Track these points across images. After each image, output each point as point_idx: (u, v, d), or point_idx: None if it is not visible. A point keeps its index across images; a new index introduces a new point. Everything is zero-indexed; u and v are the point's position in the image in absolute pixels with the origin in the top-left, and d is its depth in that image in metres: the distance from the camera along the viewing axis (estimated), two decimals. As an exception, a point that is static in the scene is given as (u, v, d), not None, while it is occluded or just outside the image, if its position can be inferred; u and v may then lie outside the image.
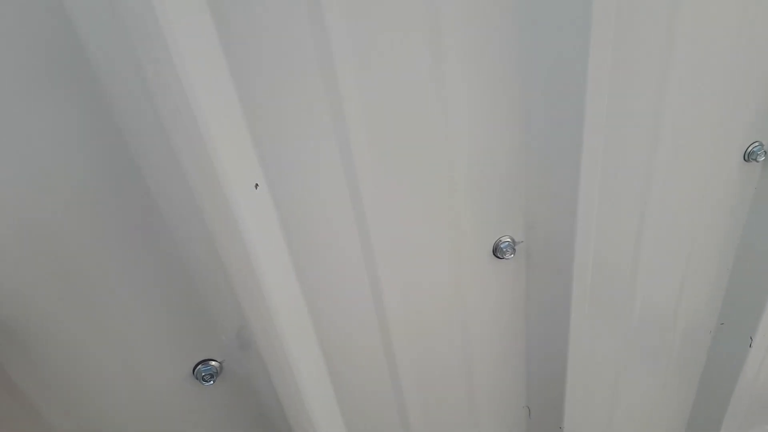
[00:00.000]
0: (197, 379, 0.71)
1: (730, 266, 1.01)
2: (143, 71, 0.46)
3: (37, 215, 0.53)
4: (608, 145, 0.73)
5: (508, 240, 0.78)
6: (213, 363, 0.71)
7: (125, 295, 0.62)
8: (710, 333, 1.11)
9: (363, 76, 0.59)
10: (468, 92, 0.65)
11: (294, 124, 0.58)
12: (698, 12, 0.70)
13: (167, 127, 0.48)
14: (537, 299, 0.85)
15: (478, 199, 0.74)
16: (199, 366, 0.70)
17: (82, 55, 0.47)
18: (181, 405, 0.72)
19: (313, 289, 0.70)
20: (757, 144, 0.85)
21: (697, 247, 0.95)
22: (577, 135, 0.65)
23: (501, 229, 0.78)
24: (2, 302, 0.56)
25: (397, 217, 0.70)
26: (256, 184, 0.57)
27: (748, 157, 0.86)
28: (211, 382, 0.70)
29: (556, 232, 0.77)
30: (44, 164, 0.51)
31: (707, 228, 0.93)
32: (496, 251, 0.78)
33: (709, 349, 1.14)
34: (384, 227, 0.69)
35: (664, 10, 0.67)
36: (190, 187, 0.52)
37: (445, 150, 0.68)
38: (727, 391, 1.16)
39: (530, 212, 0.77)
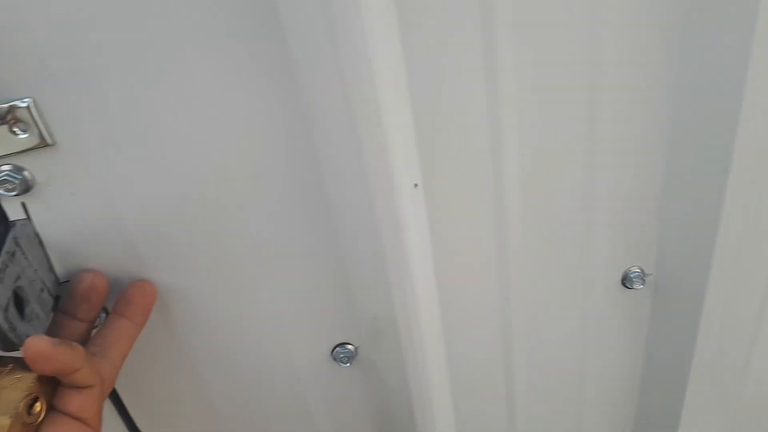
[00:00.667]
0: (335, 360, 0.78)
1: None
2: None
3: (213, 199, 0.62)
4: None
5: (638, 270, 0.80)
6: (349, 347, 0.78)
7: (279, 274, 0.70)
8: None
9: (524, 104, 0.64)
10: (610, 113, 0.68)
11: (454, 131, 0.65)
12: None
13: (355, 124, 0.56)
14: (659, 337, 0.85)
15: (612, 225, 0.76)
16: (338, 348, 0.78)
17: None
18: (317, 383, 0.80)
19: (447, 291, 0.76)
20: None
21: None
22: (724, 160, 0.65)
23: (632, 259, 0.80)
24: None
25: (537, 236, 0.74)
26: (416, 184, 0.64)
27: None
28: (348, 364, 0.77)
29: (688, 269, 0.77)
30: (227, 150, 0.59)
31: None
32: (625, 281, 0.80)
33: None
34: (523, 245, 0.74)
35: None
36: (367, 180, 0.60)
37: (583, 175, 0.72)
38: None
39: (663, 243, 0.78)
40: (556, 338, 0.84)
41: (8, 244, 0.51)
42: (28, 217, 0.55)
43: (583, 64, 0.63)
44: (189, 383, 0.77)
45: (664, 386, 0.90)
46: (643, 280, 0.80)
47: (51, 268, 0.59)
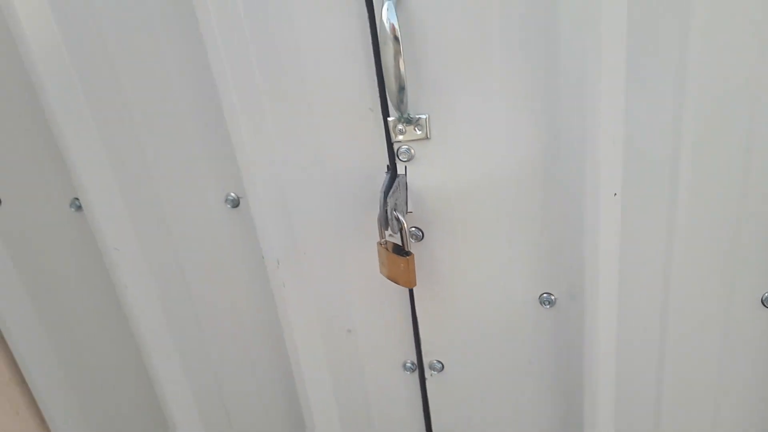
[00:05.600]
0: (541, 303, 1.21)
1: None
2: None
3: (496, 186, 1.13)
4: None
5: (781, 289, 1.08)
6: (552, 296, 1.20)
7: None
8: None
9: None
10: None
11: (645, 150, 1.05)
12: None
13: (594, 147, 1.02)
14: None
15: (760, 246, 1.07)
16: (544, 294, 1.21)
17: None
18: (525, 323, 1.23)
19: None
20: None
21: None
22: None
23: (776, 279, 1.08)
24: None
25: (702, 249, 1.09)
26: (615, 193, 1.05)
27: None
28: (548, 306, 1.20)
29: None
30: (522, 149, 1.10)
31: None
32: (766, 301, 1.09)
33: None
34: (688, 254, 1.09)
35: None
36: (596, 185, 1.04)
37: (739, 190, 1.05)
38: None
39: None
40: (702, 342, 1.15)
41: (399, 179, 1.08)
42: (405, 173, 1.12)
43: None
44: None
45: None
46: (783, 298, 1.07)
47: (406, 203, 1.15)
